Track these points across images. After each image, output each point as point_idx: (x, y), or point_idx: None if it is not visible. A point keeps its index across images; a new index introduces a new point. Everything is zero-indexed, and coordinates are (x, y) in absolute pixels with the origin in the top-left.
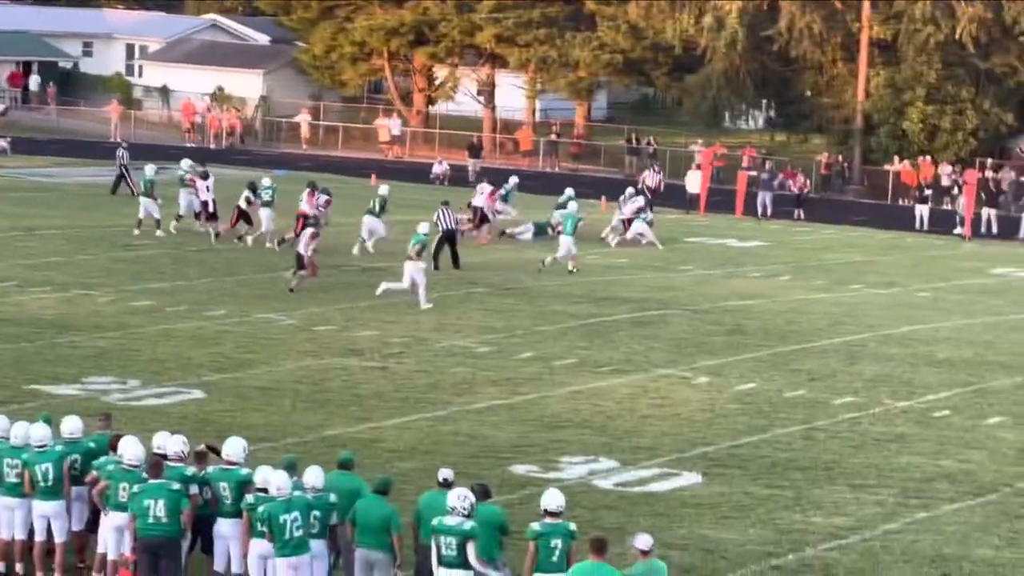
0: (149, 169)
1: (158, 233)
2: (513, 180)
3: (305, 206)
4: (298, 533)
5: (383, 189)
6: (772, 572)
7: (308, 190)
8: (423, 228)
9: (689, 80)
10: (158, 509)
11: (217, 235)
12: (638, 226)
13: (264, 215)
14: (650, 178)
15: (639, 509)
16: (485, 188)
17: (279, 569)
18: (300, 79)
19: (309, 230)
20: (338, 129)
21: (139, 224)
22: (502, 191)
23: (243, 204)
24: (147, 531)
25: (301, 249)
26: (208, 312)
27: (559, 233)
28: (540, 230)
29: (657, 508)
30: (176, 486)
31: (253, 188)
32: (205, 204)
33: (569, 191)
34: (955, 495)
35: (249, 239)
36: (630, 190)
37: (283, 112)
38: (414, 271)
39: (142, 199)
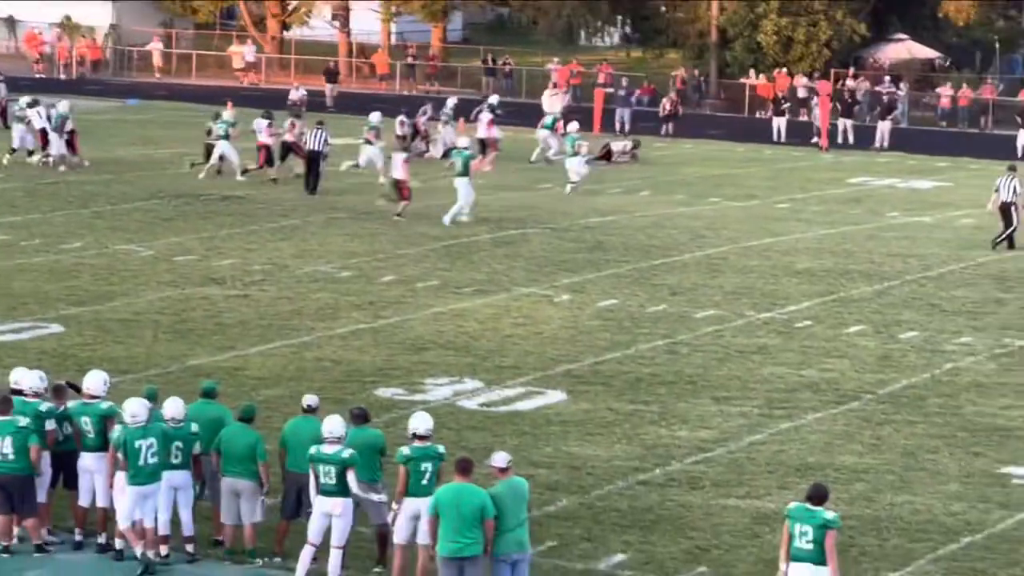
0: (63, 105)
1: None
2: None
3: (267, 137)
4: (153, 460)
5: (374, 116)
6: (639, 487)
7: (267, 121)
8: (463, 143)
9: None
10: (5, 446)
11: (47, 162)
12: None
13: (222, 148)
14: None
15: (504, 428)
16: (484, 118)
17: (129, 497)
18: (150, 6)
19: (403, 155)
20: (191, 57)
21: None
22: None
23: (214, 140)
24: None
25: (399, 175)
26: (64, 245)
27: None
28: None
29: (522, 427)
30: (23, 423)
31: (217, 117)
32: (43, 132)
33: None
34: (818, 404)
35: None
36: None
37: (134, 41)
38: (462, 186)
39: (52, 134)
